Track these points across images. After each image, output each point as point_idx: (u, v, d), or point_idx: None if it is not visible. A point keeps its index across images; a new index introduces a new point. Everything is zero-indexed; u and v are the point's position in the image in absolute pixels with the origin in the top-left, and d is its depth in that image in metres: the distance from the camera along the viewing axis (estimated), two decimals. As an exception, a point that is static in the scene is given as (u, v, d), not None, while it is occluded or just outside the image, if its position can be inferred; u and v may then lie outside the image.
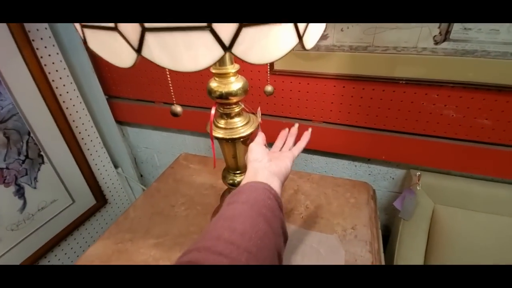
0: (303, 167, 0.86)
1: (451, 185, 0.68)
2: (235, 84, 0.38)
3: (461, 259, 0.66)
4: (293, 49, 0.28)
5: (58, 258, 0.83)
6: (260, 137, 0.40)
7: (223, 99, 0.38)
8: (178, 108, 0.34)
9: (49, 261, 0.81)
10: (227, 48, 0.23)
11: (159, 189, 0.67)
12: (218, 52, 0.22)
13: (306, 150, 0.83)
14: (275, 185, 0.33)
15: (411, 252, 0.73)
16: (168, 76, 0.32)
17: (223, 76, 0.38)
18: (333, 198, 0.62)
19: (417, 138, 0.65)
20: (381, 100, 0.63)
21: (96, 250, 0.51)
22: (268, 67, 0.65)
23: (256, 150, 0.37)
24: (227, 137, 0.42)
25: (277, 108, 0.74)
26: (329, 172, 0.84)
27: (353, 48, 0.58)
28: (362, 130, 0.69)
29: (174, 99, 0.35)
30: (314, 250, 0.49)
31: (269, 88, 0.43)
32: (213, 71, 0.38)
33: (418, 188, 0.69)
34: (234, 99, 0.39)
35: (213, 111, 0.41)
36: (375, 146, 0.70)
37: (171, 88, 0.33)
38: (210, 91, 0.39)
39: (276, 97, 0.72)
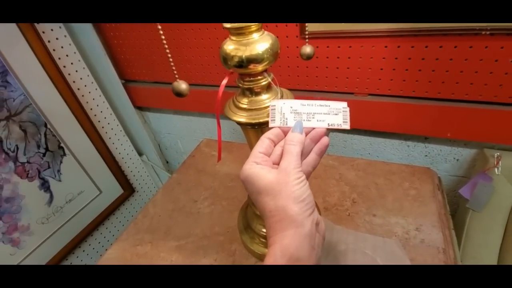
0: (342, 149, 0.73)
1: (542, 168, 0.53)
2: (260, 44, 0.27)
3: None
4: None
5: (92, 247, 0.84)
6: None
7: (244, 67, 0.27)
8: (182, 85, 0.25)
9: (83, 251, 0.81)
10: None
11: (180, 182, 0.60)
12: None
13: (346, 129, 0.71)
14: None
15: (481, 250, 0.60)
16: (165, 44, 0.22)
17: (241, 33, 0.27)
18: (387, 190, 0.50)
19: (498, 108, 0.50)
20: (451, 60, 0.48)
21: (114, 253, 0.46)
22: (302, 28, 0.52)
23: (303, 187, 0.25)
24: (252, 121, 0.31)
25: (310, 81, 0.62)
26: (374, 154, 0.71)
27: (415, -9, 0.43)
28: (421, 101, 0.55)
29: (176, 75, 0.25)
30: (369, 258, 0.38)
31: (308, 49, 0.31)
32: (227, 25, 0.26)
33: (496, 172, 0.54)
34: (260, 67, 0.27)
35: (224, 81, 0.30)
36: (437, 121, 0.56)
37: (170, 58, 0.23)
38: (225, 58, 0.28)
39: (309, 68, 0.59)
